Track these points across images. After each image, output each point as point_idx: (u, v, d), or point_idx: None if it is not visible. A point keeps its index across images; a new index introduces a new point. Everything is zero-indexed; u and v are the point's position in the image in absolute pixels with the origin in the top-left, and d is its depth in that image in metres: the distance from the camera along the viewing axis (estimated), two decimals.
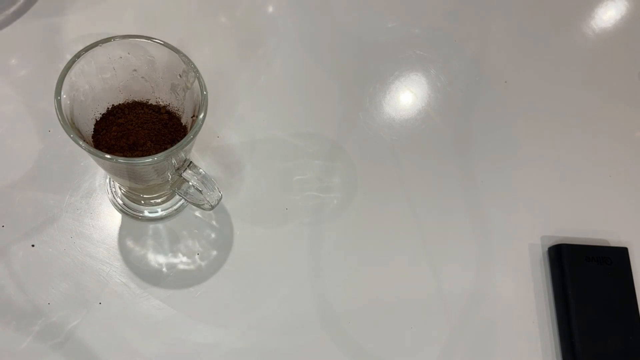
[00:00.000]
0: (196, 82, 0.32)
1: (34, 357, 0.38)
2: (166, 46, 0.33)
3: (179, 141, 0.32)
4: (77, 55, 0.31)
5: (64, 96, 0.31)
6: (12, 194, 0.42)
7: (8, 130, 0.44)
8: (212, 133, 0.46)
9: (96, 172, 0.43)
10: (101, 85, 0.35)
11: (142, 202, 0.43)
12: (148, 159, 0.31)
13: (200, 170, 0.35)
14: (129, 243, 0.42)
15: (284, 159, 0.47)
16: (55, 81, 0.31)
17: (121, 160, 0.31)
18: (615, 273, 0.45)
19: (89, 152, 0.30)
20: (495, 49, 0.55)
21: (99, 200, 0.43)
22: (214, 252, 0.43)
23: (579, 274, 0.44)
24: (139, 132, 0.36)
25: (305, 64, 0.51)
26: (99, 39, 0.32)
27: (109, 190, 0.43)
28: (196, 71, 0.33)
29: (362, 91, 0.51)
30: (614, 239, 0.48)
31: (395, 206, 0.47)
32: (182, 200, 0.43)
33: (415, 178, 0.48)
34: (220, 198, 0.36)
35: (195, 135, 0.32)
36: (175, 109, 0.37)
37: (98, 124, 0.37)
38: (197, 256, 0.42)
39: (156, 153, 0.31)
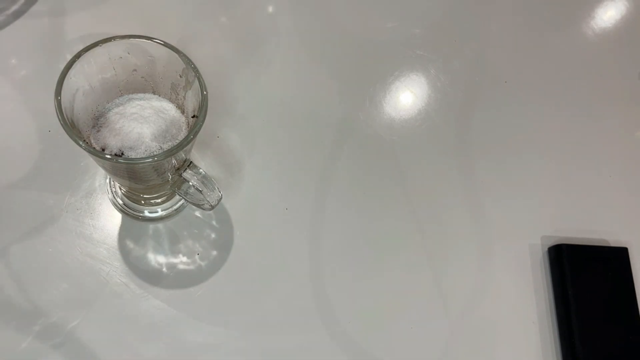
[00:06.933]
0: (196, 82, 0.32)
1: (34, 357, 0.38)
2: (166, 46, 0.33)
3: (179, 141, 0.32)
4: (77, 55, 0.31)
5: (64, 96, 0.31)
6: (12, 194, 0.42)
7: (8, 130, 0.44)
8: (212, 133, 0.46)
9: (96, 172, 0.43)
10: (101, 85, 0.35)
11: (142, 202, 0.43)
12: (148, 159, 0.31)
13: (200, 170, 0.35)
14: (129, 243, 0.42)
15: (284, 158, 0.47)
16: (55, 81, 0.31)
17: (121, 160, 0.31)
18: (615, 273, 0.45)
19: (89, 152, 0.30)
20: (495, 49, 0.55)
21: (99, 200, 0.43)
22: (214, 252, 0.43)
23: (579, 274, 0.44)
24: None
25: (305, 64, 0.51)
26: (99, 39, 0.32)
27: (109, 190, 0.43)
28: (196, 71, 0.33)
29: (362, 91, 0.51)
30: (614, 239, 0.48)
31: (395, 206, 0.47)
32: (182, 200, 0.43)
33: (415, 178, 0.48)
34: (220, 198, 0.36)
35: (195, 135, 0.32)
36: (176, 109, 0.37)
37: None
38: (197, 256, 0.42)
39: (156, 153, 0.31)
